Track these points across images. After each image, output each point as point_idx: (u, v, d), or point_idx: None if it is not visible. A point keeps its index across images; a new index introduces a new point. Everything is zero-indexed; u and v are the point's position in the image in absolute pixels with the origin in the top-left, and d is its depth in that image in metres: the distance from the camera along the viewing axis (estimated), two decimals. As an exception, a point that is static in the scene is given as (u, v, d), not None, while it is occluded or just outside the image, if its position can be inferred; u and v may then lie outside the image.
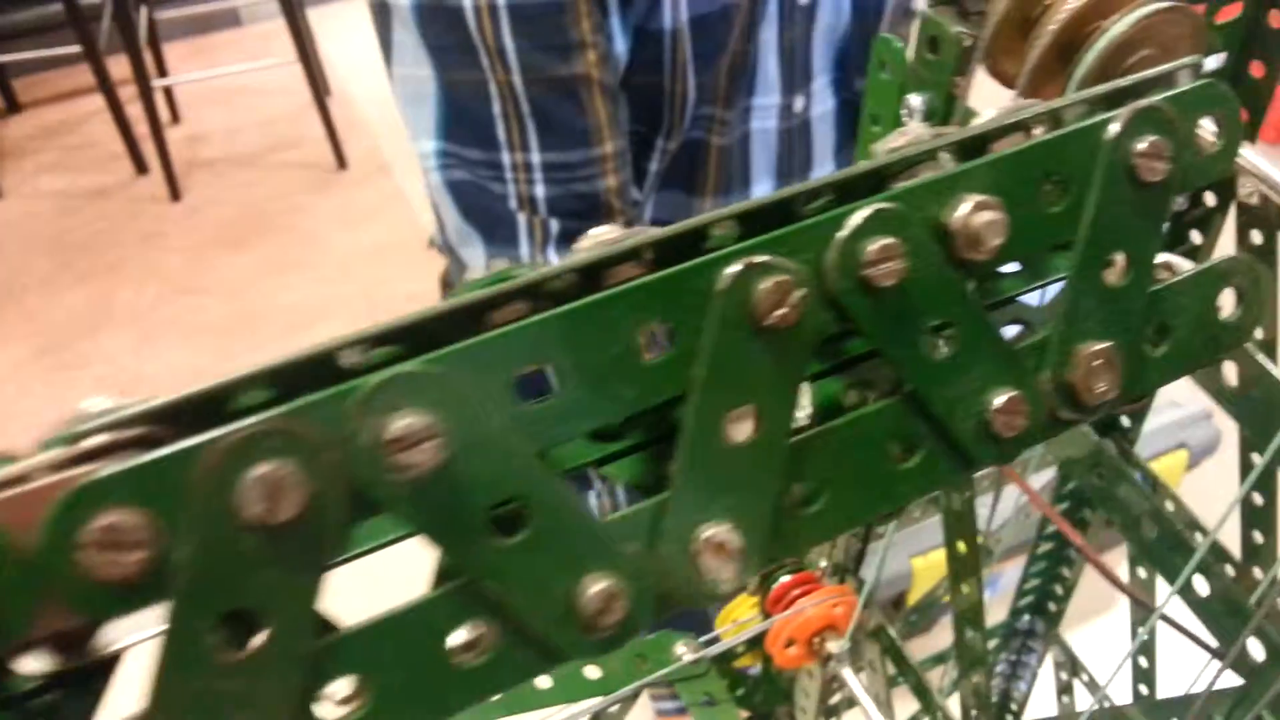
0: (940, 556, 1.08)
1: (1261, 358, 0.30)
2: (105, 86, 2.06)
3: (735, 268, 0.21)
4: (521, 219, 0.91)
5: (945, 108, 0.38)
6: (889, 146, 0.25)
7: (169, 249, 2.12)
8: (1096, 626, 1.11)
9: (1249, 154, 0.30)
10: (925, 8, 0.37)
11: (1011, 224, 0.24)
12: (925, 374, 0.24)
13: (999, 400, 0.24)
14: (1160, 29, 0.32)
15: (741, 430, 0.22)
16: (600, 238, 0.23)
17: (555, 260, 0.95)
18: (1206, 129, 0.27)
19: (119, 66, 2.03)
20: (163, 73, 2.26)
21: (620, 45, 0.91)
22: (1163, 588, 0.48)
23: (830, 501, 0.24)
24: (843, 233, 0.22)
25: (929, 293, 0.23)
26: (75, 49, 2.06)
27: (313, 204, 2.16)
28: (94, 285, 2.07)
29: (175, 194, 2.17)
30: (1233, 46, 0.46)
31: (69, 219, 2.16)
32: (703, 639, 0.55)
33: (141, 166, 2.21)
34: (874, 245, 0.22)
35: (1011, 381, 0.25)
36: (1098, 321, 0.25)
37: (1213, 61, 0.47)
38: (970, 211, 0.23)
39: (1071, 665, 0.72)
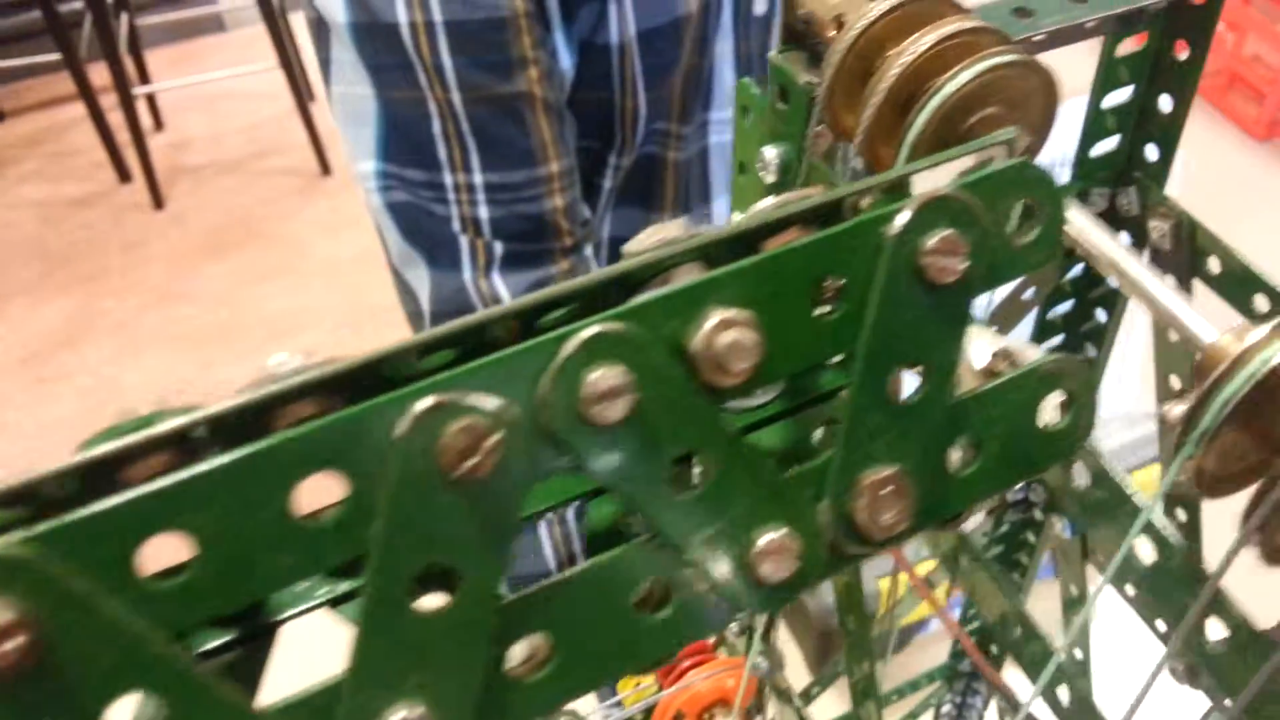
0: (905, 576, 1.05)
1: (1105, 461, 0.27)
2: (86, 94, 2.04)
3: (415, 410, 0.18)
4: (464, 241, 0.89)
5: (800, 162, 0.35)
6: (639, 246, 0.22)
7: (152, 257, 2.11)
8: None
9: (1081, 219, 0.27)
10: (774, 54, 0.34)
11: (769, 340, 0.21)
12: (670, 515, 0.21)
13: (764, 540, 0.21)
14: (1005, 85, 0.28)
15: (442, 597, 0.19)
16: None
17: (499, 284, 0.92)
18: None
19: (101, 74, 2.02)
20: (145, 79, 2.24)
21: (565, 61, 0.88)
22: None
23: (559, 666, 0.21)
24: (557, 361, 0.19)
25: (669, 424, 0.20)
26: (55, 57, 2.04)
27: (296, 210, 2.13)
28: (76, 294, 2.06)
29: (158, 202, 2.15)
30: (1139, 79, 0.42)
31: (51, 228, 2.15)
32: (599, 705, 0.52)
33: (124, 174, 2.19)
34: (595, 375, 0.19)
35: (780, 516, 0.22)
36: (885, 443, 0.22)
37: (1120, 95, 0.43)
38: (711, 331, 0.20)
39: (1014, 709, 0.69)
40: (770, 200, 0.23)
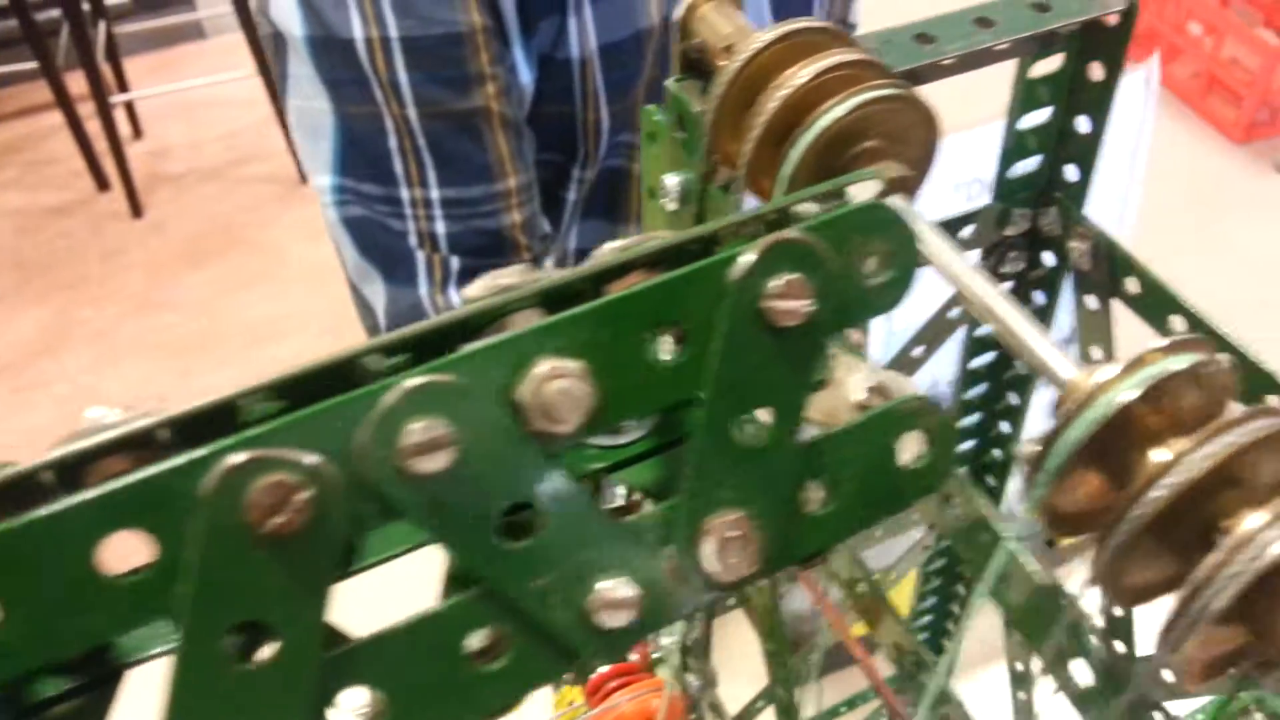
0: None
1: (972, 492, 0.27)
2: (63, 103, 2.03)
3: (222, 467, 0.18)
4: (421, 256, 0.88)
5: (701, 191, 0.34)
6: (476, 292, 0.21)
7: (130, 266, 2.10)
8: (991, 674, 1.07)
9: (947, 256, 0.26)
10: (670, 82, 0.34)
11: (605, 388, 0.20)
12: (502, 567, 0.20)
13: (601, 589, 0.21)
14: (883, 118, 0.28)
15: (266, 649, 0.19)
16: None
17: (456, 300, 0.92)
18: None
19: (78, 82, 2.01)
20: (123, 87, 2.23)
21: (525, 76, 0.88)
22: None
23: (396, 713, 0.20)
24: (375, 412, 0.19)
25: (498, 475, 0.20)
26: (32, 65, 2.04)
27: (276, 217, 2.13)
28: (54, 303, 2.05)
29: (137, 210, 2.15)
30: (1057, 100, 0.42)
31: (28, 237, 2.14)
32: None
33: (103, 183, 2.19)
34: (415, 426, 0.19)
35: (619, 565, 0.21)
36: (733, 487, 0.22)
37: (1040, 116, 0.43)
38: (539, 381, 0.20)
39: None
40: (613, 244, 0.22)
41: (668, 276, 0.21)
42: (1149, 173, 1.89)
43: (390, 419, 0.19)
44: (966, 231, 0.45)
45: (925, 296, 0.39)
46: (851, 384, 0.28)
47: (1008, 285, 0.49)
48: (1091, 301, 0.44)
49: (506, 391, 0.20)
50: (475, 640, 0.21)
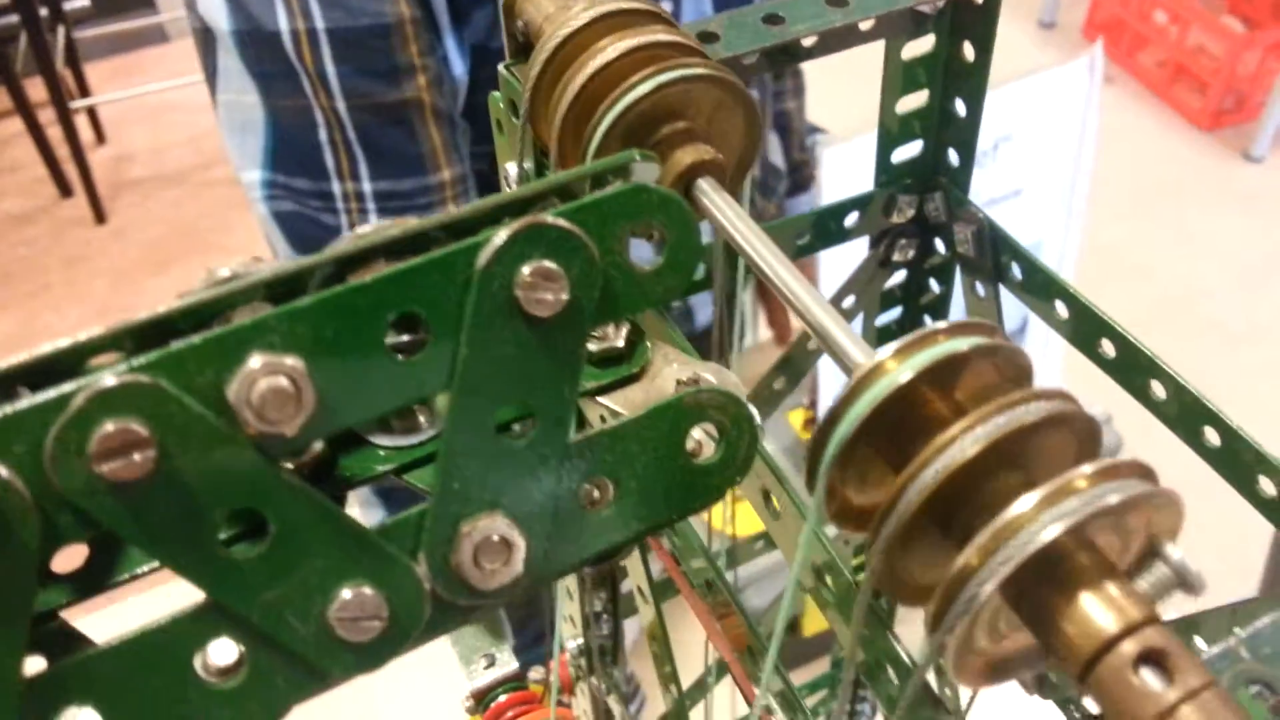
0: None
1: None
2: (23, 109, 2.01)
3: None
4: None
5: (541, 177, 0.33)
6: (202, 285, 0.20)
7: (94, 273, 2.08)
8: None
9: (743, 231, 0.25)
10: (502, 66, 0.32)
11: (333, 385, 0.19)
12: (228, 579, 0.19)
13: (342, 600, 0.20)
14: (695, 100, 0.27)
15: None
16: None
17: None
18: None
19: (40, 89, 1.99)
20: (84, 92, 2.21)
21: (458, 68, 0.86)
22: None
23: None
24: (64, 416, 0.18)
25: (210, 481, 0.19)
26: (-10, 72, 2.02)
27: (239, 221, 2.11)
28: (17, 312, 2.03)
29: (100, 216, 2.13)
30: (933, 83, 0.41)
31: (-10, 246, 2.12)
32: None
33: (65, 189, 2.17)
34: (107, 431, 0.18)
35: (361, 574, 0.20)
36: (491, 489, 0.21)
37: (919, 99, 0.42)
38: (246, 379, 0.18)
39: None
40: (358, 230, 0.21)
41: (404, 265, 0.20)
42: (1117, 162, 1.88)
43: (79, 423, 0.18)
44: (852, 219, 0.44)
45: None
46: (665, 375, 0.27)
47: (901, 274, 0.47)
48: (979, 288, 0.43)
49: (216, 391, 0.19)
50: (216, 657, 0.20)
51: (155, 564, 0.22)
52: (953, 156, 0.43)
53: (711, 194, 0.26)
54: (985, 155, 1.04)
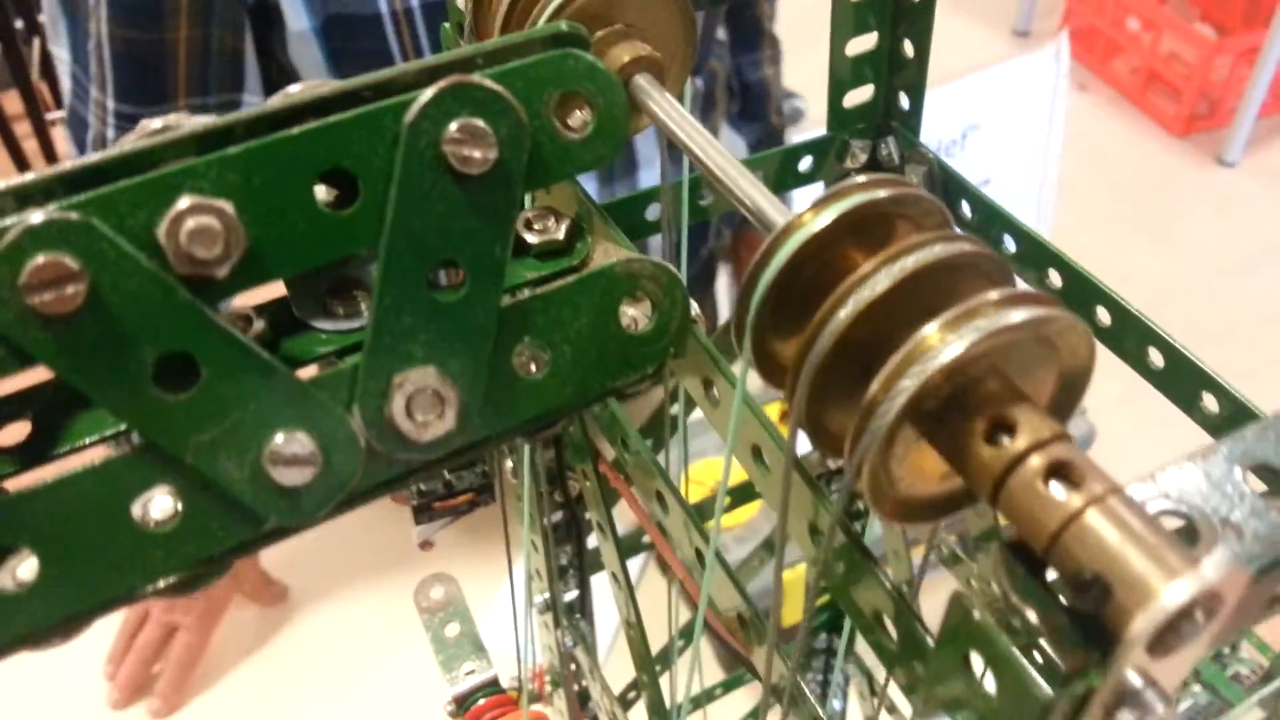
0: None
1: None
2: None
3: None
4: None
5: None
6: (136, 135, 0.21)
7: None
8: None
9: (660, 104, 0.26)
10: (450, -9, 0.33)
11: (260, 233, 0.20)
12: (162, 420, 0.20)
13: (276, 444, 0.20)
14: (628, 4, 0.28)
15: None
16: None
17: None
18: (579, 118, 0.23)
19: (15, 102, 1.99)
20: (60, 105, 2.21)
21: (303, 22, 0.84)
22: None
23: (48, 582, 0.19)
24: (-4, 251, 0.18)
25: (142, 321, 0.19)
26: (-32, 86, 2.02)
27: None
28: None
29: (80, 230, 2.12)
30: (883, 26, 0.42)
31: (-31, 260, 2.11)
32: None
33: (45, 203, 2.16)
34: (38, 263, 0.18)
35: (295, 421, 0.20)
36: (424, 344, 0.21)
37: (865, 42, 0.43)
38: (175, 218, 0.19)
39: (869, 683, 0.68)
40: (289, 89, 0.22)
41: (332, 119, 0.20)
42: (1092, 168, 1.90)
43: (11, 256, 0.18)
44: (806, 164, 0.45)
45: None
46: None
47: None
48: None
49: (147, 233, 0.19)
50: (144, 500, 0.20)
51: (96, 436, 0.22)
52: (903, 100, 0.43)
53: (650, 90, 0.27)
54: (954, 144, 1.05)
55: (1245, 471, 0.21)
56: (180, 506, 0.20)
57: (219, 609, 1.01)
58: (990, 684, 0.19)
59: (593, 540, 0.51)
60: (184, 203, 0.19)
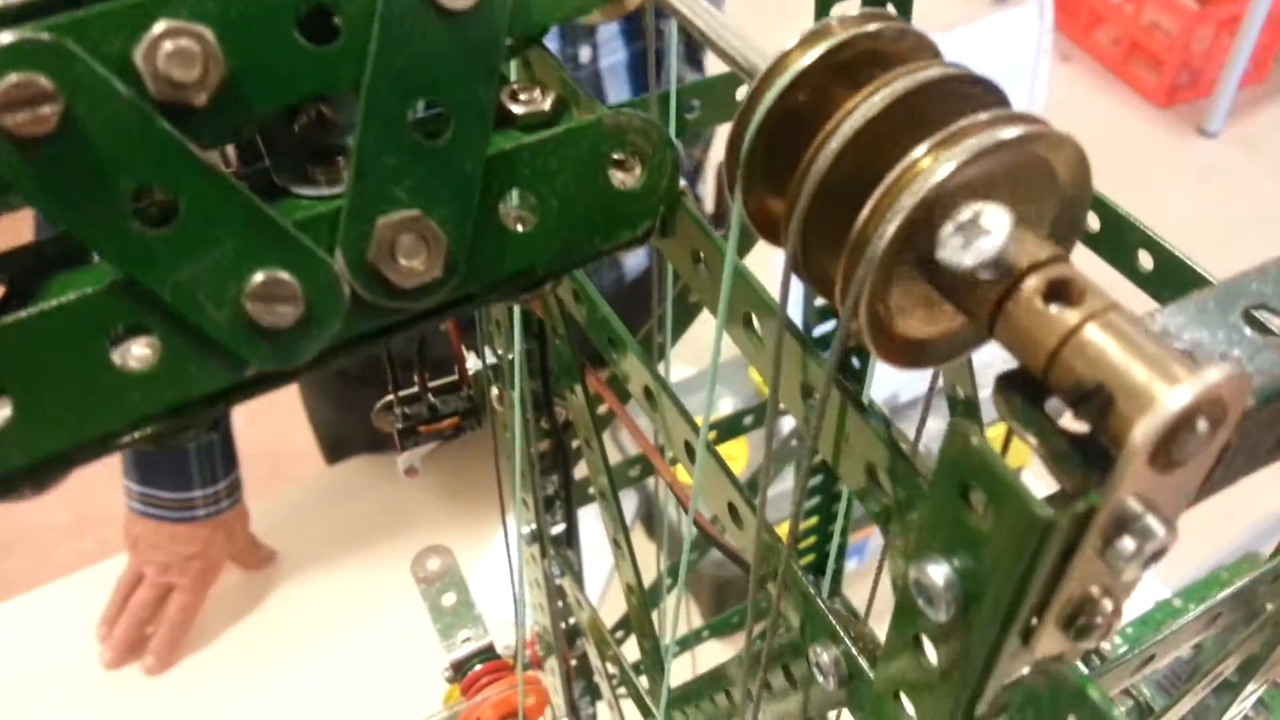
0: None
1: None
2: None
3: None
4: None
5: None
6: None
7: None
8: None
9: None
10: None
11: (239, 62, 0.19)
12: (140, 255, 0.19)
13: (256, 282, 0.20)
14: None
15: None
16: None
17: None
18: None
19: None
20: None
21: None
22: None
23: (19, 422, 0.19)
24: (-35, 69, 0.17)
25: (118, 149, 0.18)
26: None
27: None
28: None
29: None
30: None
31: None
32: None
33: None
34: (11, 82, 0.17)
35: (277, 260, 0.20)
36: (406, 187, 0.21)
37: (848, 6, 0.42)
38: (155, 40, 0.18)
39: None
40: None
41: (316, -52, 0.20)
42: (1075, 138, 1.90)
43: (-19, 74, 0.17)
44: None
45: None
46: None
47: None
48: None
49: (124, 58, 0.18)
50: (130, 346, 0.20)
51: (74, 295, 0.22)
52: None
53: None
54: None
55: (1242, 315, 0.21)
56: (159, 349, 0.20)
57: (213, 570, 1.01)
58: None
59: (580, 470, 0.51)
60: (161, 26, 0.18)
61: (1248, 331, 0.21)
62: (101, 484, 2.03)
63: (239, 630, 1.02)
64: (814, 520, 0.61)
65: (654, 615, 0.52)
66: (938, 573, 0.20)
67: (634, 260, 1.07)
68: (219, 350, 0.20)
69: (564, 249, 0.23)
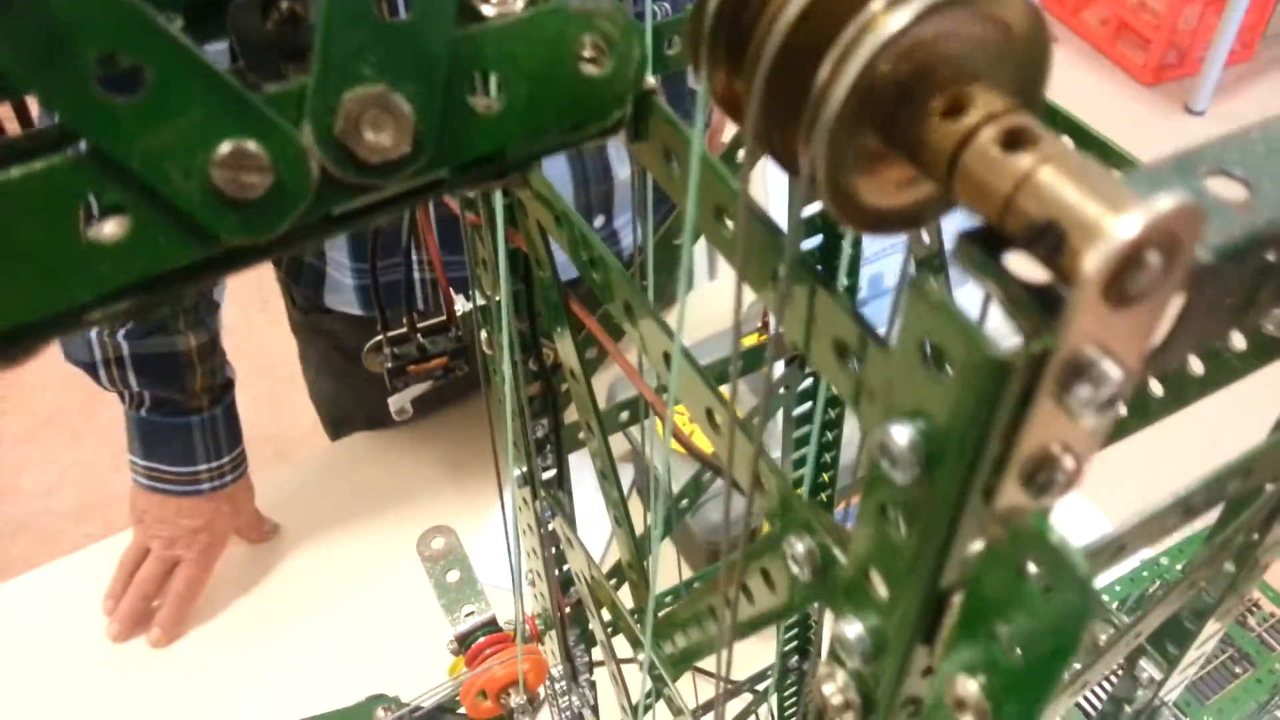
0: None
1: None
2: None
3: None
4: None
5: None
6: None
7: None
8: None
9: None
10: None
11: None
12: (102, 121, 0.19)
13: (224, 150, 0.20)
14: None
15: None
16: None
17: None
18: None
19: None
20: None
21: None
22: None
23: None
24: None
25: (86, 13, 0.19)
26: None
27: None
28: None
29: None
30: None
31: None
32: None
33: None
34: (-27, -53, 0.18)
35: (245, 131, 0.20)
36: (373, 64, 0.21)
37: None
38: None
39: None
40: None
41: None
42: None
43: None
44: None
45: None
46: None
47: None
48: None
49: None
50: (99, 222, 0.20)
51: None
52: None
53: None
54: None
55: (1202, 179, 0.21)
56: (129, 221, 0.20)
57: (219, 544, 1.01)
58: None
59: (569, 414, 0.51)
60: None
61: (1208, 194, 0.21)
62: (107, 469, 2.04)
63: (244, 603, 1.03)
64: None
65: (646, 564, 0.52)
66: (901, 434, 0.20)
67: (627, 240, 1.08)
68: (189, 223, 0.20)
69: (533, 133, 0.23)
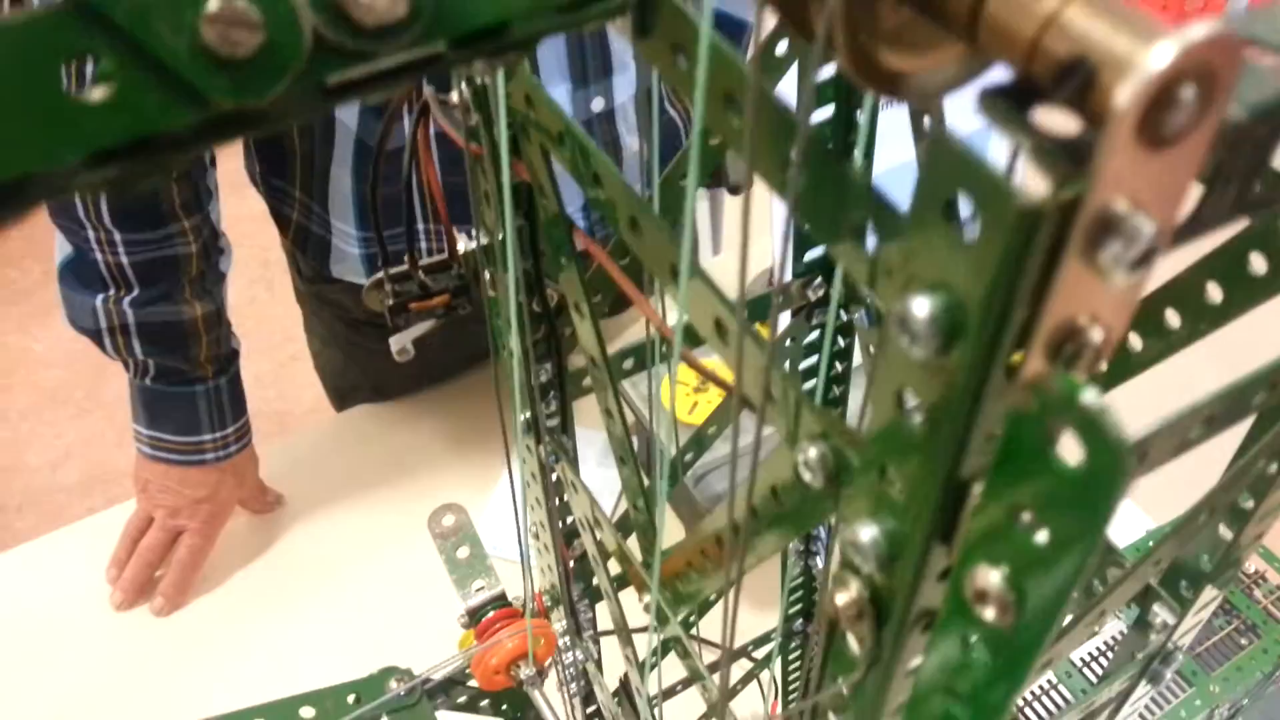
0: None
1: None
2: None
3: None
4: None
5: None
6: None
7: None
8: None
9: None
10: None
11: None
12: (85, -33, 0.18)
13: (212, 7, 0.19)
14: None
15: None
16: None
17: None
18: None
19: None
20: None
21: None
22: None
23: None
24: None
25: None
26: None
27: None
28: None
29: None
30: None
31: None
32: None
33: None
34: None
35: (235, -13, 0.19)
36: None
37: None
38: None
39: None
40: None
41: None
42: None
43: None
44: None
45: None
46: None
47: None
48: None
49: None
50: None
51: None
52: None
53: None
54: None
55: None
56: (116, 79, 0.19)
57: (223, 513, 1.01)
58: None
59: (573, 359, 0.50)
60: None
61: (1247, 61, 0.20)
62: (110, 444, 2.05)
63: (248, 573, 1.02)
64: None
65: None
66: (921, 305, 0.19)
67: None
68: (179, 83, 0.19)
69: (537, 7, 0.22)
